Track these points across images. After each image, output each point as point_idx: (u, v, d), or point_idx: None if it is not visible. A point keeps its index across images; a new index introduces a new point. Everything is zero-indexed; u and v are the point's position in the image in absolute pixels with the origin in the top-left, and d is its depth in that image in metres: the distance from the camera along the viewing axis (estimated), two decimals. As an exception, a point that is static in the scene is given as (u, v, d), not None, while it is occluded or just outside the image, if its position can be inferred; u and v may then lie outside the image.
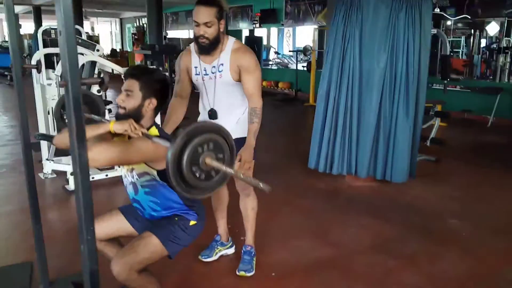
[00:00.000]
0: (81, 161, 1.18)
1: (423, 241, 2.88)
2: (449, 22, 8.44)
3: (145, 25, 17.38)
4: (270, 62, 13.33)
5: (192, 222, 1.82)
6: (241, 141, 2.13)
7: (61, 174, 3.98)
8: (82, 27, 9.68)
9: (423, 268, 2.54)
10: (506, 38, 8.19)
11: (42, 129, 3.93)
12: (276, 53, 14.03)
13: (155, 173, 1.74)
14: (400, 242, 2.88)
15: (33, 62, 3.54)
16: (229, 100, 2.25)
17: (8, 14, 1.86)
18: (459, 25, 8.37)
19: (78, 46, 3.98)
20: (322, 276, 2.42)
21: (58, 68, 3.46)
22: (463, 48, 9.84)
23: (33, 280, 2.31)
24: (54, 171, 4.02)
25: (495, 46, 8.26)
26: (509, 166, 4.75)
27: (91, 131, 1.61)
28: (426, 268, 2.54)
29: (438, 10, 7.14)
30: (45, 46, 4.58)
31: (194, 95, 2.36)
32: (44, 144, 3.97)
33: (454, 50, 8.46)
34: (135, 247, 1.69)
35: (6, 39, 18.94)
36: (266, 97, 9.95)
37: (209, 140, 1.29)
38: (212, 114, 2.26)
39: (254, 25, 12.01)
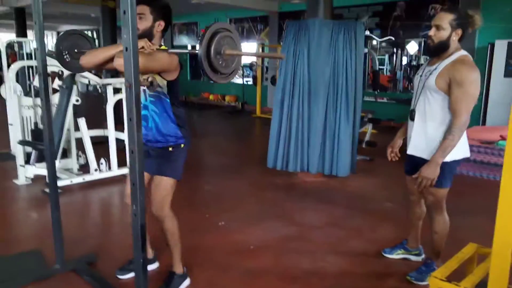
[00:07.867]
0: (138, 141, 1.68)
1: (365, 218, 3.59)
2: (374, 42, 9.58)
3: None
4: (215, 77, 13.88)
5: (182, 145, 2.24)
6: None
7: (37, 179, 4.22)
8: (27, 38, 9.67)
9: (366, 235, 3.24)
10: (424, 56, 9.44)
11: (19, 136, 4.14)
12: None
13: (165, 83, 2.09)
14: (348, 219, 3.57)
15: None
16: (426, 107, 2.22)
17: (39, 34, 2.26)
18: (383, 44, 9.51)
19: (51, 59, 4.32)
20: (292, 245, 3.01)
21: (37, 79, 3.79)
22: (387, 65, 11.09)
23: (46, 264, 2.65)
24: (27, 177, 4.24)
25: (414, 63, 9.51)
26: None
27: (112, 50, 1.94)
28: (369, 235, 3.24)
29: (368, 32, 8.19)
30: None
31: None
32: (20, 151, 4.18)
33: (379, 67, 9.53)
34: (157, 192, 2.23)
35: None
36: (214, 109, 10.57)
37: (226, 36, 1.86)
38: (411, 115, 2.28)
39: (199, 41, 12.50)
